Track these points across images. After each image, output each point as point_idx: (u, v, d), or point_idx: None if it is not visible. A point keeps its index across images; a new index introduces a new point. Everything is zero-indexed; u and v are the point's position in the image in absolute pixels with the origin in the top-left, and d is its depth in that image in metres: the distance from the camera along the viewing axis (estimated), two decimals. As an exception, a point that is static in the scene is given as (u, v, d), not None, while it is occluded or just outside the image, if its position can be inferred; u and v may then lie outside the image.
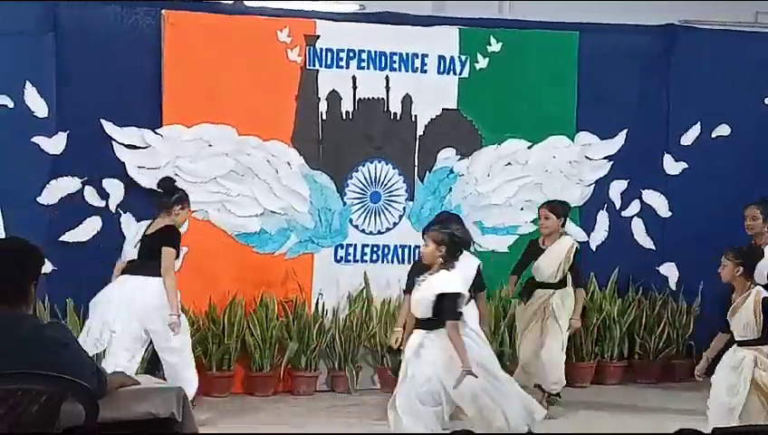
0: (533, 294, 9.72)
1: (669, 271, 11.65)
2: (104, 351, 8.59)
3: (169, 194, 9.00)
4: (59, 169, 10.00)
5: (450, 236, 7.56)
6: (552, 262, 9.66)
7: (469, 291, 8.27)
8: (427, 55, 11.00)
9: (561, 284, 9.67)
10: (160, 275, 8.69)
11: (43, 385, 4.50)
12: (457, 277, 7.61)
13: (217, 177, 10.39)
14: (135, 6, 10.25)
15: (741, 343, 7.80)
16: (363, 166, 10.91)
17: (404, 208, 11.02)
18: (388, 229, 10.98)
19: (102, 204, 10.14)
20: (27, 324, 4.67)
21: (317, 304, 10.65)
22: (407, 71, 10.95)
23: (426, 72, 11.00)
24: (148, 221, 9.17)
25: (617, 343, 11.38)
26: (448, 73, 11.05)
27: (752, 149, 11.72)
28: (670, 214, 11.34)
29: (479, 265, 9.20)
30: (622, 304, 11.44)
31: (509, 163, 11.24)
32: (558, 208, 9.80)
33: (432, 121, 11.05)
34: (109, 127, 10.10)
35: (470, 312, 8.30)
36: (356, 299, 10.80)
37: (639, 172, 11.53)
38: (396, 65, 10.93)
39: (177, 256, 8.94)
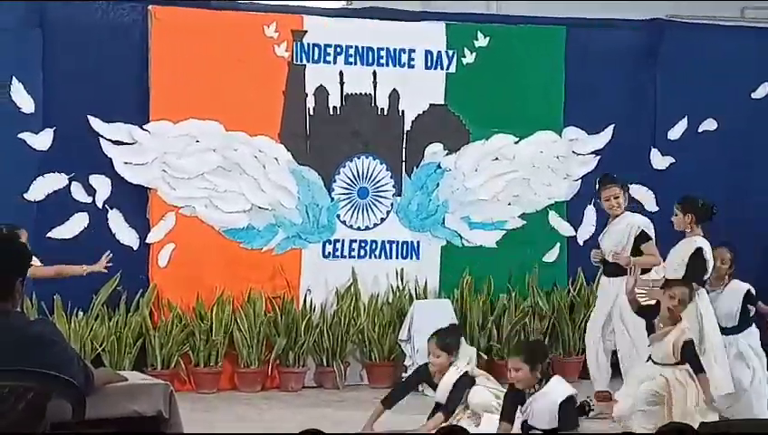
0: None
1: (657, 265, 11.65)
2: None
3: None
4: (46, 166, 9.98)
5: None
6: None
7: None
8: (414, 50, 11.00)
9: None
10: None
11: (29, 382, 4.49)
12: None
13: (205, 172, 10.37)
14: (122, 2, 10.24)
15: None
16: (351, 161, 10.90)
17: (391, 204, 11.02)
18: (375, 225, 10.98)
19: (89, 200, 10.13)
20: (14, 321, 4.65)
21: (305, 299, 10.64)
22: (394, 66, 10.95)
23: (413, 67, 11.00)
24: None
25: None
26: (435, 68, 11.05)
27: (739, 144, 11.75)
28: (657, 208, 11.33)
29: None
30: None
31: (496, 158, 11.24)
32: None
33: (419, 117, 11.04)
34: (96, 123, 10.09)
35: None
36: (344, 295, 10.78)
37: (626, 167, 11.50)
38: (383, 60, 10.92)
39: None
